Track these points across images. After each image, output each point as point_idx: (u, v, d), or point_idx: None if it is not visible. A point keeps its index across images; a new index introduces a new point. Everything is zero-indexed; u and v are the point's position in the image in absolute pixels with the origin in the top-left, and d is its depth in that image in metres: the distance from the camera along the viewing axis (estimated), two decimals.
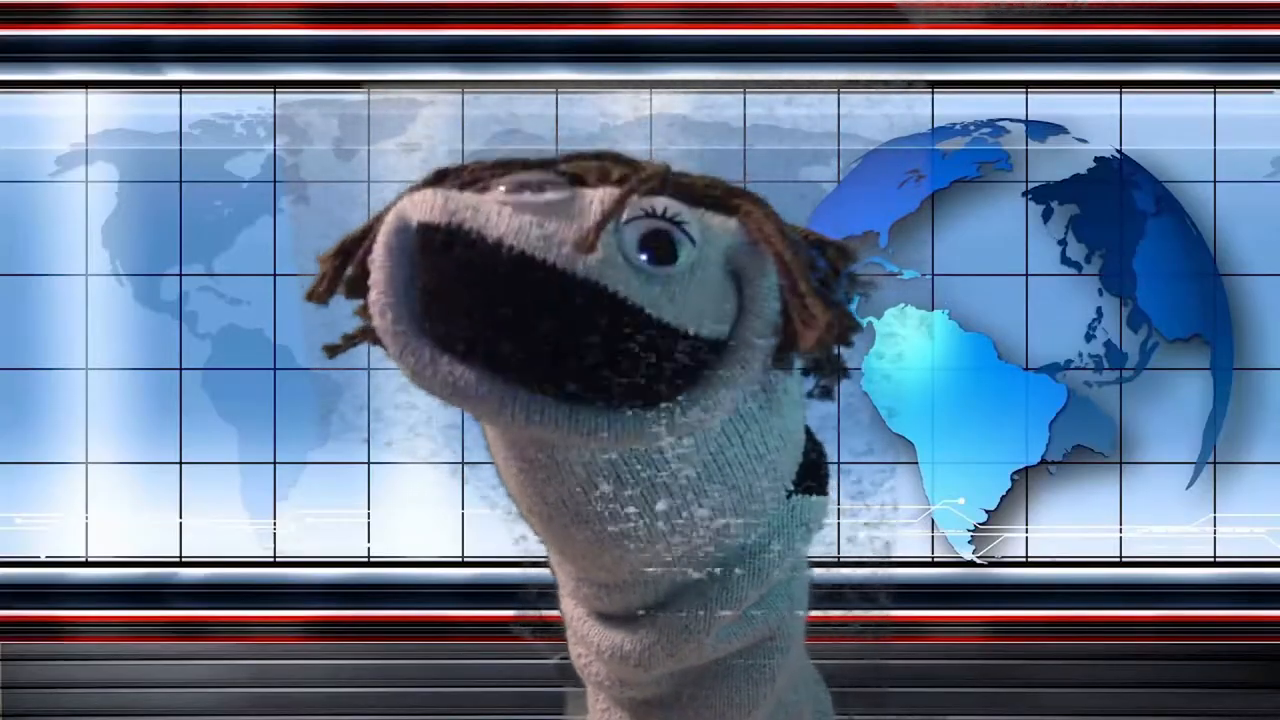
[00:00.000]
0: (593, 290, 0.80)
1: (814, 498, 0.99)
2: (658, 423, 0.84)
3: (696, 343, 0.85)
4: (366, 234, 0.88)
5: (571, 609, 1.00)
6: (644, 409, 0.84)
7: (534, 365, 0.81)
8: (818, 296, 0.88)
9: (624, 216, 0.83)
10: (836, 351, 0.95)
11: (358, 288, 0.88)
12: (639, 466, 0.88)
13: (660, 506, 0.90)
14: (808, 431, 1.00)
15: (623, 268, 0.82)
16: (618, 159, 0.90)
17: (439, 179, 0.88)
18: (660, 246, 0.83)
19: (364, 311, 0.87)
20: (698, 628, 0.94)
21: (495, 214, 0.80)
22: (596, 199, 0.83)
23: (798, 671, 1.03)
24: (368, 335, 0.90)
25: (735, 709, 0.98)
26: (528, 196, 0.82)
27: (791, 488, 0.97)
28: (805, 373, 0.95)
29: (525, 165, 0.88)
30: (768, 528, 0.96)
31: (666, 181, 0.87)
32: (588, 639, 0.98)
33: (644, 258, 0.83)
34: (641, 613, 0.95)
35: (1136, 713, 2.81)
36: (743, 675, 0.98)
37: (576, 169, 0.89)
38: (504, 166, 0.88)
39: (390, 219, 0.83)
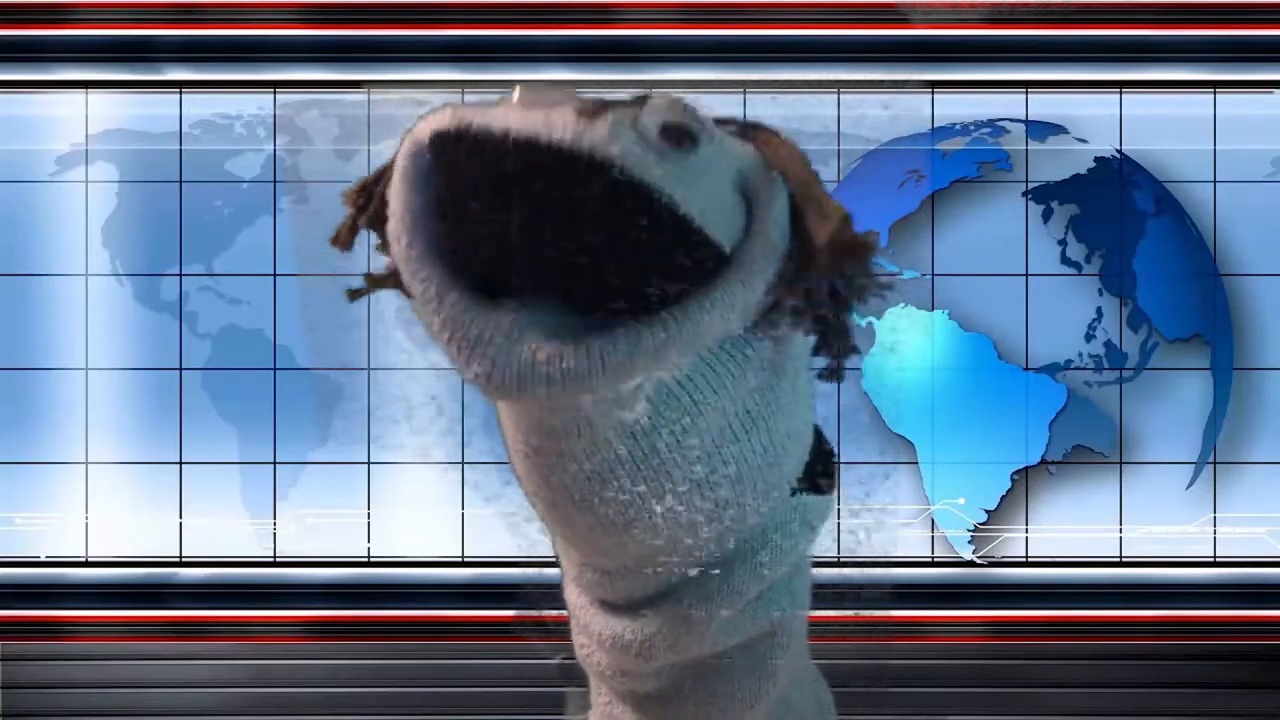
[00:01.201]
0: (600, 166, 0.80)
1: (819, 496, 0.99)
2: (651, 339, 0.83)
3: (704, 242, 0.84)
4: (388, 170, 0.89)
5: (575, 597, 1.01)
6: (638, 323, 0.83)
7: (546, 260, 0.81)
8: (831, 200, 0.88)
9: (644, 107, 0.83)
10: (846, 326, 0.95)
11: (381, 224, 0.88)
12: (645, 456, 0.88)
13: (666, 498, 0.90)
14: (816, 431, 1.00)
15: (637, 146, 0.81)
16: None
17: None
18: (679, 135, 0.83)
19: (386, 247, 0.88)
20: (699, 620, 0.95)
21: (503, 112, 0.81)
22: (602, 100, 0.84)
23: (800, 668, 1.03)
24: (392, 278, 0.90)
25: (737, 704, 0.98)
26: (539, 98, 0.82)
27: (797, 485, 0.97)
28: (815, 352, 0.95)
29: None
30: (772, 524, 0.96)
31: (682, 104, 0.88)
32: (590, 628, 0.99)
33: (663, 142, 0.82)
34: (643, 602, 0.96)
35: (1136, 713, 2.81)
36: (745, 670, 0.98)
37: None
38: None
39: (406, 144, 0.84)
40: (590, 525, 0.91)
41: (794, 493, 0.97)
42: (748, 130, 0.92)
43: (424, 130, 0.83)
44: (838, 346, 0.94)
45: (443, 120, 0.81)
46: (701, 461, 0.90)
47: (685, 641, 0.95)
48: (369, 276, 0.93)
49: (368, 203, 0.90)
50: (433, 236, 0.83)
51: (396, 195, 0.83)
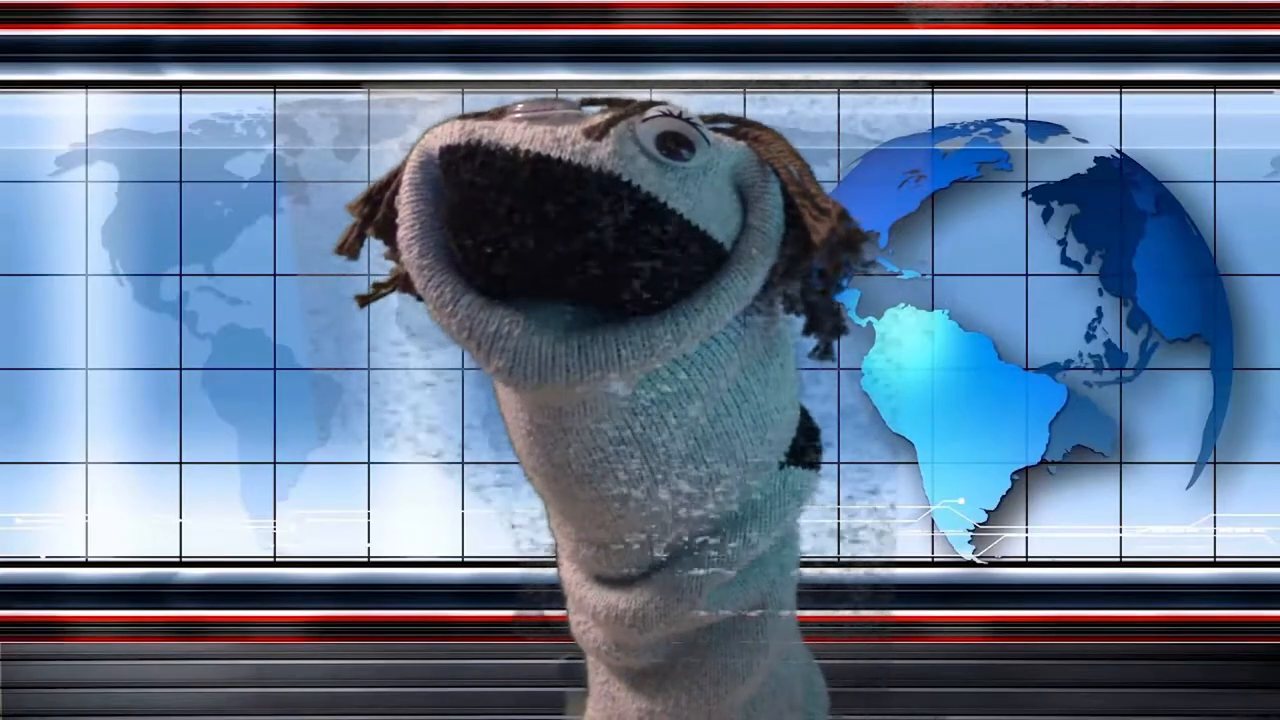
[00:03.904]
0: (607, 180, 0.83)
1: (805, 471, 1.02)
2: (664, 333, 0.87)
3: (706, 242, 0.88)
4: (393, 179, 0.92)
5: (571, 574, 1.04)
6: (650, 318, 0.87)
7: (554, 265, 0.84)
8: (825, 195, 0.93)
9: (641, 118, 0.87)
10: (836, 306, 0.99)
11: (387, 231, 0.92)
12: (642, 431, 0.90)
13: (662, 470, 0.93)
14: (802, 409, 1.04)
15: (639, 159, 0.85)
16: (629, 100, 0.95)
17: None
18: (676, 144, 0.87)
19: (394, 254, 0.91)
20: (689, 588, 0.97)
21: (510, 128, 0.84)
22: (607, 111, 0.88)
23: (790, 646, 1.07)
24: (398, 282, 0.94)
25: (729, 676, 1.01)
26: (540, 111, 0.86)
27: (785, 460, 1.00)
28: (807, 332, 1.00)
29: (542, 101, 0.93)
30: (761, 496, 0.99)
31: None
32: (585, 602, 1.02)
33: (661, 153, 0.86)
34: (638, 576, 0.98)
35: (1136, 713, 2.81)
36: (736, 644, 1.01)
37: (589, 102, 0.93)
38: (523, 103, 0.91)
39: (414, 155, 0.87)
40: (591, 499, 0.94)
41: (781, 467, 1.00)
42: (740, 127, 0.96)
43: (432, 143, 0.86)
44: (829, 325, 0.99)
45: (452, 134, 0.85)
46: (697, 435, 0.93)
47: (677, 610, 0.98)
48: (377, 284, 0.97)
49: (374, 211, 0.94)
50: (442, 243, 0.85)
51: (406, 205, 0.86)
